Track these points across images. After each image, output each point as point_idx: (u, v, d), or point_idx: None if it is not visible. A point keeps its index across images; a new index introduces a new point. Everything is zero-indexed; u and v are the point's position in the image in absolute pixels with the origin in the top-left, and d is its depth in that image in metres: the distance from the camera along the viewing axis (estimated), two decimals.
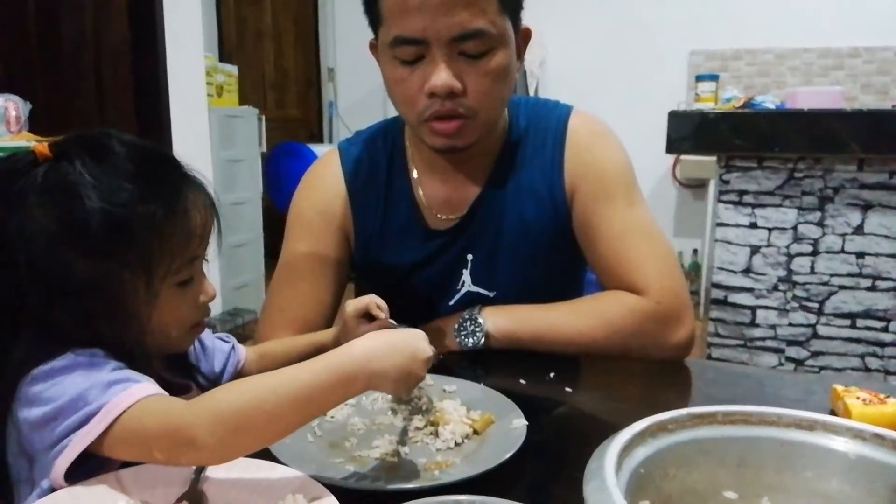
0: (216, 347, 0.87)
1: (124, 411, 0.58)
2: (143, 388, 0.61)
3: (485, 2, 0.89)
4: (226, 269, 3.47)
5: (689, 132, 2.02)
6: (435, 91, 0.91)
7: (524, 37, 0.99)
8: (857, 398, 0.77)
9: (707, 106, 3.07)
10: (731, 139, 1.98)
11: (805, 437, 0.52)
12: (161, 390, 0.62)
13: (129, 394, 0.60)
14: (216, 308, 3.44)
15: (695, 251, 4.36)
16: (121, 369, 0.64)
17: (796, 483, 0.51)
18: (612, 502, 0.40)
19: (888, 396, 0.76)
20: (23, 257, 0.64)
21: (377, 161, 1.09)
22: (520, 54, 0.99)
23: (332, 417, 0.78)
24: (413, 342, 0.65)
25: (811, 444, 0.51)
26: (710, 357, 2.20)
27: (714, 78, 3.36)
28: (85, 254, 0.65)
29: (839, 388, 0.81)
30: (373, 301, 0.89)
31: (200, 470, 0.63)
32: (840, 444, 0.51)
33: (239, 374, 0.90)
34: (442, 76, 0.90)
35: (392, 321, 0.89)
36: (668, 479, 0.50)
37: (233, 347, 0.89)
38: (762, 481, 0.52)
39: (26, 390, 0.63)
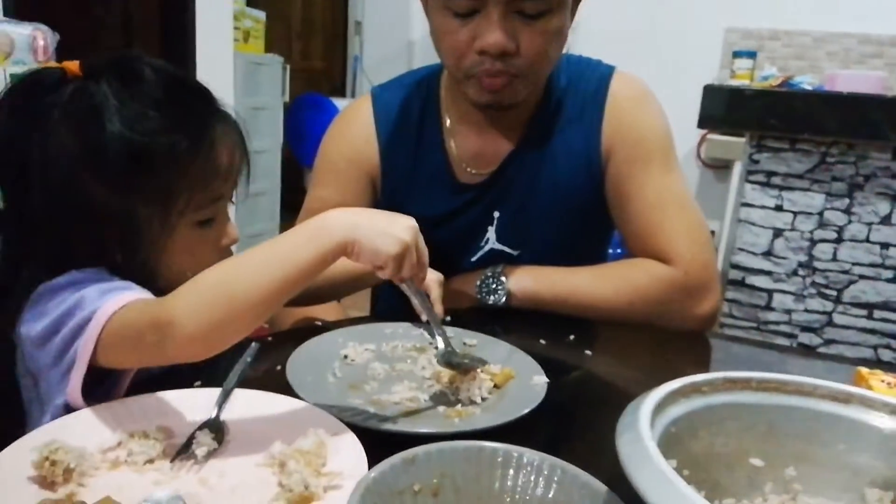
0: None
1: (115, 313, 0.57)
2: (135, 294, 0.60)
3: None
4: (242, 218, 3.48)
5: (722, 108, 1.97)
6: (487, 50, 0.88)
7: None
8: (882, 381, 0.76)
9: (743, 83, 3.01)
10: (766, 118, 1.94)
11: (839, 410, 0.51)
12: (155, 298, 0.61)
13: (122, 297, 0.59)
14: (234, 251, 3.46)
15: (713, 232, 4.32)
16: (120, 282, 0.63)
17: (825, 455, 0.51)
18: (648, 455, 0.39)
19: None
20: (39, 175, 0.63)
21: (410, 109, 1.07)
22: (573, 14, 0.95)
23: (352, 361, 0.78)
24: (393, 214, 0.63)
25: (845, 417, 0.51)
26: (725, 336, 2.19)
27: (752, 55, 3.28)
28: (101, 178, 0.64)
29: (864, 370, 0.79)
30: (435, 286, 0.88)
31: (222, 400, 0.63)
32: (875, 418, 0.50)
33: None
34: (496, 35, 0.87)
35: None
36: (698, 440, 0.49)
37: None
38: (790, 451, 0.51)
39: (28, 308, 0.62)
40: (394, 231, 0.60)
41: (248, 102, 3.47)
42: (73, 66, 0.66)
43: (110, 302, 0.58)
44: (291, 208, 1.12)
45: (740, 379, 0.51)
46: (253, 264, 0.56)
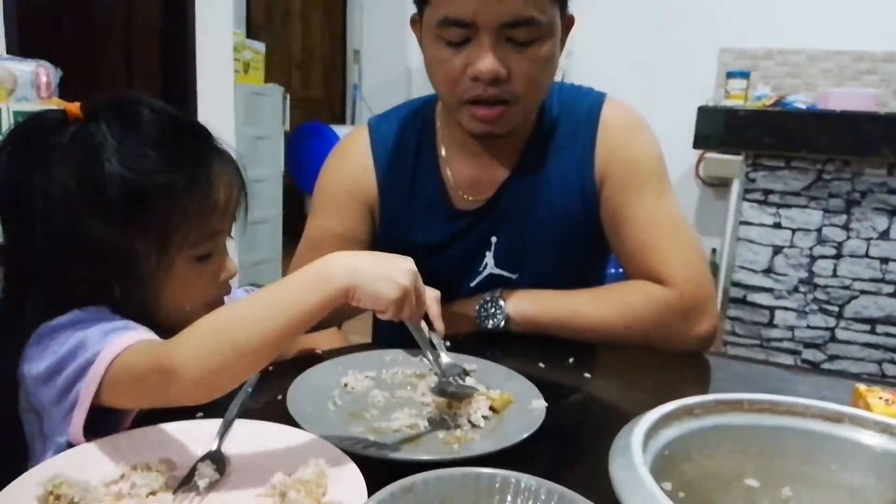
0: None
1: (118, 355, 0.58)
2: (139, 333, 0.61)
3: None
4: (243, 246, 3.50)
5: (717, 129, 1.99)
6: (480, 76, 0.90)
7: (568, 24, 0.98)
8: (880, 398, 0.76)
9: (737, 103, 3.03)
10: (760, 137, 1.96)
11: (831, 430, 0.51)
12: (157, 337, 0.62)
13: (125, 338, 0.59)
14: (232, 285, 3.47)
15: (713, 251, 4.32)
16: (123, 321, 0.64)
17: (820, 474, 0.51)
18: (640, 480, 0.40)
19: None
20: (41, 213, 0.64)
21: (407, 138, 1.09)
22: (562, 42, 0.98)
23: (352, 389, 0.79)
24: (393, 256, 0.64)
25: (837, 437, 0.51)
26: (726, 355, 2.18)
27: (745, 75, 3.31)
28: (100, 217, 0.65)
29: (861, 387, 0.80)
30: (434, 304, 0.86)
31: (223, 431, 0.64)
32: (867, 437, 0.50)
33: None
34: (488, 62, 0.89)
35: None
36: (691, 462, 0.50)
37: None
38: (785, 471, 0.52)
39: (31, 347, 0.63)
40: (394, 276, 0.61)
41: (250, 132, 3.50)
42: (73, 108, 0.68)
43: (113, 343, 0.59)
44: (293, 234, 1.13)
45: (732, 401, 0.52)
46: (255, 310, 0.57)
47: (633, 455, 0.42)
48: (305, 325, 0.58)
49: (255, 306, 0.57)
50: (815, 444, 0.51)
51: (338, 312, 0.92)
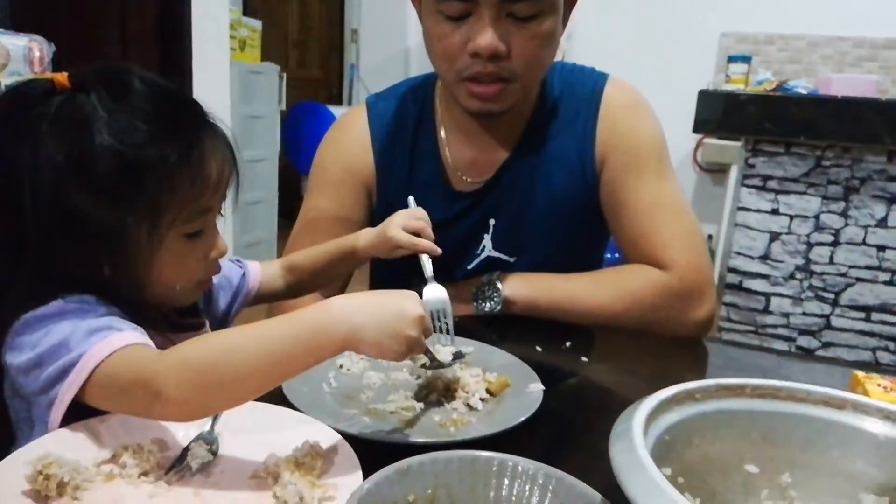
0: (220, 285, 0.84)
1: (102, 360, 0.57)
2: (123, 337, 0.58)
3: None
4: (239, 226, 3.48)
5: (717, 113, 1.98)
6: (479, 52, 0.88)
7: (570, 2, 0.96)
8: (878, 385, 0.76)
9: (738, 88, 3.01)
10: (761, 122, 1.94)
11: (834, 416, 0.51)
12: (144, 339, 0.60)
13: (109, 342, 0.58)
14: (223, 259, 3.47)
15: (710, 237, 4.32)
16: (108, 316, 0.62)
17: (821, 461, 0.51)
18: (641, 463, 0.39)
19: None
20: (28, 188, 0.62)
21: (405, 118, 1.07)
22: (565, 20, 0.96)
23: (347, 370, 0.78)
24: (400, 300, 0.59)
25: (839, 423, 0.51)
26: (721, 341, 2.19)
27: (747, 59, 3.29)
28: (90, 191, 0.63)
29: (860, 374, 0.80)
30: (425, 224, 0.86)
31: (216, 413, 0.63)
32: (870, 424, 0.50)
33: (260, 296, 0.87)
34: (487, 37, 0.87)
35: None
36: (692, 447, 0.49)
37: (244, 275, 0.86)
38: (785, 457, 0.51)
39: (15, 336, 0.62)
40: (401, 329, 0.57)
41: (245, 111, 3.47)
42: (61, 77, 0.66)
43: (96, 347, 0.57)
44: (289, 216, 1.11)
45: (734, 386, 0.51)
46: (247, 351, 0.54)
47: (633, 439, 0.41)
48: (298, 373, 0.57)
49: (248, 348, 0.55)
50: (818, 431, 0.51)
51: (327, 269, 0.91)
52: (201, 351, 0.55)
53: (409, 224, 0.85)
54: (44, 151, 0.62)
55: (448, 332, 0.81)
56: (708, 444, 0.50)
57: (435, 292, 0.85)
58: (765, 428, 0.51)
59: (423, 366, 0.75)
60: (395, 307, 0.58)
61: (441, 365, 0.74)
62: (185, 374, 0.54)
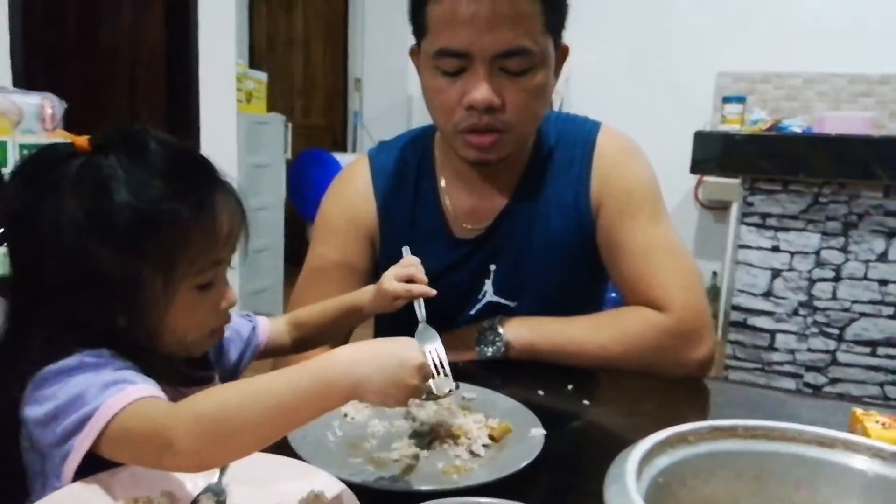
0: (230, 338, 0.86)
1: (117, 413, 0.58)
2: (137, 390, 0.60)
3: (531, 21, 0.91)
4: (245, 274, 3.51)
5: (714, 153, 2.01)
6: (474, 105, 0.93)
7: (562, 54, 1.01)
8: (877, 422, 0.77)
9: (733, 128, 3.06)
10: (757, 162, 1.97)
11: (825, 455, 0.52)
12: (157, 392, 0.62)
13: (124, 395, 0.59)
14: (234, 312, 3.48)
15: (714, 273, 4.33)
16: (123, 370, 0.64)
17: (814, 500, 0.52)
18: None
19: None
20: (49, 244, 0.66)
21: (406, 169, 1.11)
22: (557, 72, 1.00)
23: (352, 418, 0.79)
24: (401, 349, 0.61)
25: (830, 462, 0.52)
26: (726, 380, 2.18)
27: (741, 100, 3.35)
28: (109, 245, 0.66)
29: (858, 411, 0.80)
30: (416, 269, 0.88)
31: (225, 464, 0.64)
32: (859, 462, 0.51)
33: (268, 350, 0.90)
34: (482, 91, 0.92)
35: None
36: (686, 489, 0.50)
37: (254, 329, 0.89)
38: (780, 497, 0.52)
39: (33, 390, 0.64)
40: (404, 378, 0.59)
41: (252, 160, 3.54)
42: (82, 140, 0.70)
43: (111, 400, 0.59)
44: (295, 262, 1.14)
45: (726, 427, 0.52)
46: (256, 404, 0.57)
47: (627, 483, 0.42)
48: (304, 424, 0.59)
49: (257, 402, 0.57)
50: (810, 470, 0.52)
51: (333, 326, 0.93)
52: (211, 403, 0.57)
53: (400, 273, 0.89)
54: (65, 208, 0.66)
55: (443, 365, 0.82)
56: (702, 485, 0.51)
57: (426, 335, 0.87)
58: (758, 468, 0.52)
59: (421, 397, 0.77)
60: (398, 357, 0.60)
61: (437, 397, 0.77)
62: (195, 425, 0.56)
